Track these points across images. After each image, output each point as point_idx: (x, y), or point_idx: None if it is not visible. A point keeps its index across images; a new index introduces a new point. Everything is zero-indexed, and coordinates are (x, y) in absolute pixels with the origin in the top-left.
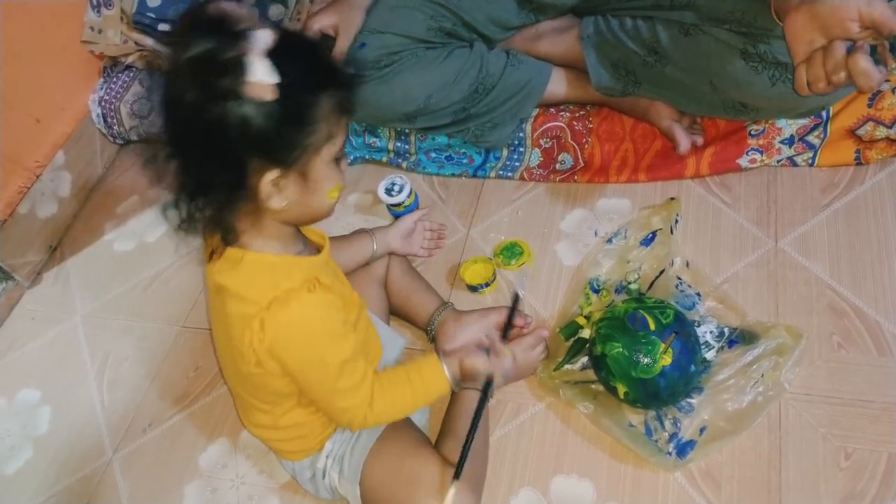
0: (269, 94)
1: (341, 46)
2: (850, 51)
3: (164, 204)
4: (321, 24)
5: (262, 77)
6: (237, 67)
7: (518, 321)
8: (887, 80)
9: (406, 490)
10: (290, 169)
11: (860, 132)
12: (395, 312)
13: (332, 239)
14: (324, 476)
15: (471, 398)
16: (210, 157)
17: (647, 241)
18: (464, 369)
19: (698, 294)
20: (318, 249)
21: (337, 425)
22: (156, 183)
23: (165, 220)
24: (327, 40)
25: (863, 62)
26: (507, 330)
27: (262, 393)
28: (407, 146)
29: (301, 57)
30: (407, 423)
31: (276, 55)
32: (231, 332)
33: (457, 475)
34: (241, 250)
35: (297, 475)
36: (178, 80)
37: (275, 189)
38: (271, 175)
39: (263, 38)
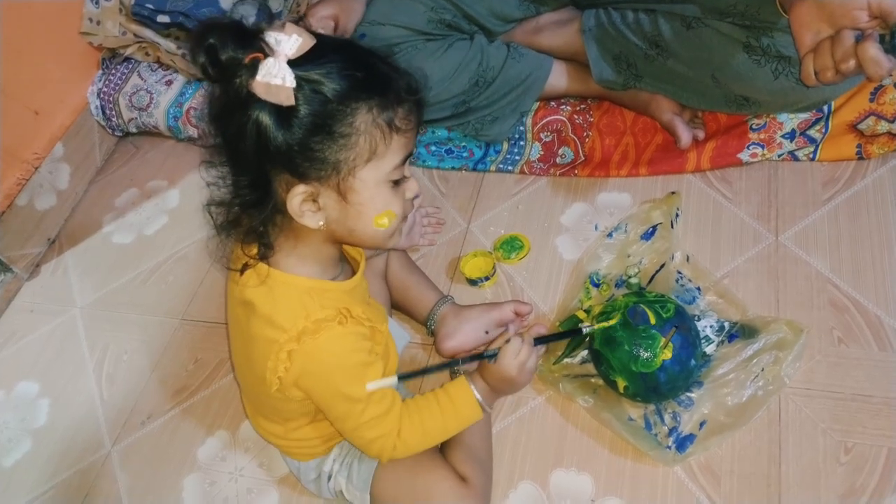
0: (285, 98)
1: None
2: (859, 40)
3: (206, 203)
4: (321, 14)
5: (275, 79)
6: (250, 68)
7: (522, 309)
8: (890, 75)
9: None
10: (322, 185)
11: (862, 126)
12: (395, 306)
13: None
14: (329, 479)
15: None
16: (239, 165)
17: (648, 235)
18: (491, 375)
19: (699, 288)
20: (353, 269)
21: (339, 442)
22: (213, 183)
23: (209, 219)
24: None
25: (873, 50)
26: (548, 338)
27: (276, 412)
28: None
29: (339, 63)
30: None
31: (305, 58)
32: (253, 352)
33: (402, 378)
34: (269, 268)
35: (301, 475)
36: (210, 86)
37: (309, 206)
38: (299, 190)
39: (288, 41)
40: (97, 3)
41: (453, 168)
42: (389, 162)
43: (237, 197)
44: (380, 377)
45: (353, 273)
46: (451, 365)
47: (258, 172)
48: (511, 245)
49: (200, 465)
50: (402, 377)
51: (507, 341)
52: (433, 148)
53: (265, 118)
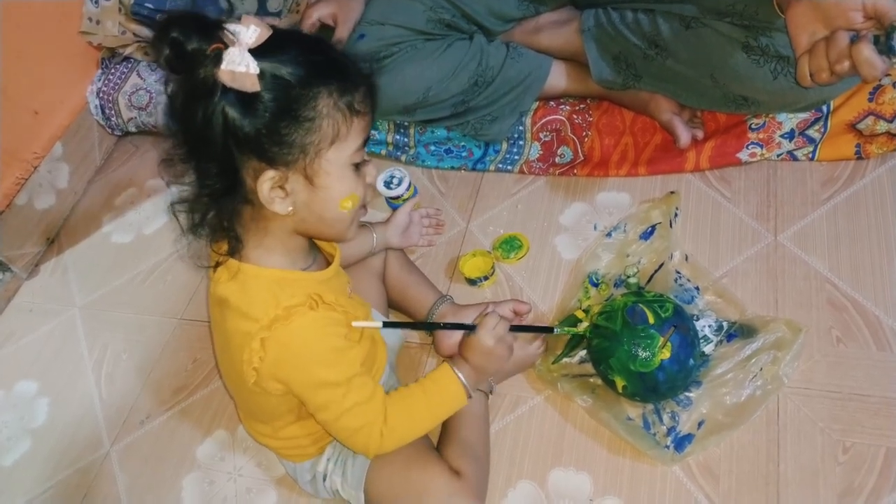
0: (250, 85)
1: (340, 36)
2: (854, 41)
3: (171, 203)
4: (319, 13)
5: (240, 66)
6: (214, 59)
7: (520, 308)
8: (888, 75)
9: (414, 501)
10: (290, 170)
11: (861, 126)
12: (394, 306)
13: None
14: (324, 479)
15: (473, 402)
16: (206, 156)
17: (647, 234)
18: (473, 351)
19: (697, 288)
20: (328, 262)
21: (331, 442)
22: (172, 181)
23: (176, 221)
24: (326, 30)
25: (867, 51)
26: (522, 328)
27: (261, 409)
28: (406, 139)
29: (296, 51)
30: None
31: (265, 48)
32: (231, 348)
33: (386, 324)
34: (239, 262)
35: (297, 476)
36: (169, 79)
37: (278, 192)
38: (268, 175)
39: (247, 32)
40: (97, 2)
41: (452, 168)
42: (351, 144)
43: (205, 188)
44: (357, 365)
45: (327, 265)
46: (434, 327)
47: (226, 161)
48: (510, 245)
49: (199, 465)
50: (387, 325)
51: (485, 315)
52: (432, 147)
53: (232, 105)
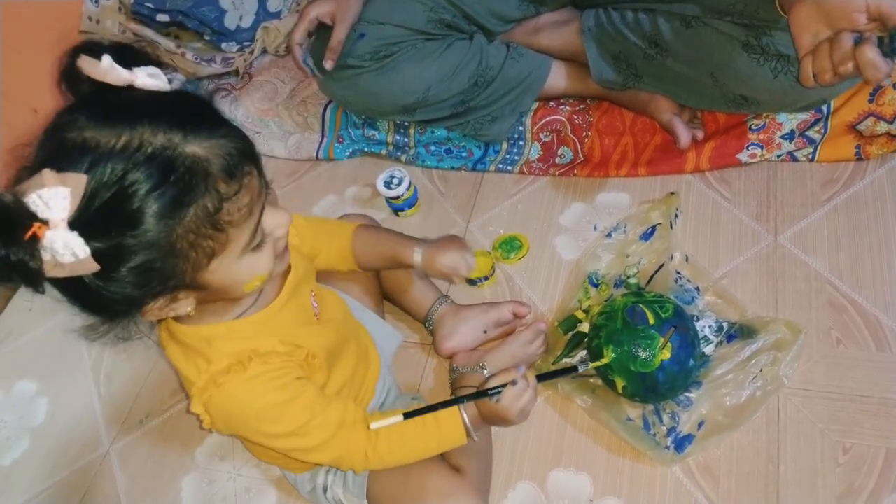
0: (90, 268)
1: (338, 35)
2: (857, 42)
3: (81, 332)
4: (317, 11)
5: (66, 257)
6: (32, 255)
7: (520, 310)
8: (889, 76)
9: (416, 501)
10: (173, 293)
11: (861, 127)
12: (393, 304)
13: (370, 228)
14: (325, 491)
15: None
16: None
17: (647, 235)
18: (484, 408)
19: (697, 288)
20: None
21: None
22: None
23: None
24: (323, 28)
25: (871, 53)
26: (550, 374)
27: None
28: (406, 139)
29: (130, 202)
30: None
31: (85, 216)
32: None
33: (407, 415)
34: (174, 324)
35: (298, 486)
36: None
37: (170, 306)
38: (151, 306)
39: (55, 199)
40: (97, 1)
41: (452, 168)
42: (235, 247)
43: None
44: (311, 407)
45: (279, 291)
46: (457, 402)
47: (111, 317)
48: (510, 245)
49: (199, 465)
50: (407, 415)
51: (513, 383)
52: (432, 148)
53: (81, 293)
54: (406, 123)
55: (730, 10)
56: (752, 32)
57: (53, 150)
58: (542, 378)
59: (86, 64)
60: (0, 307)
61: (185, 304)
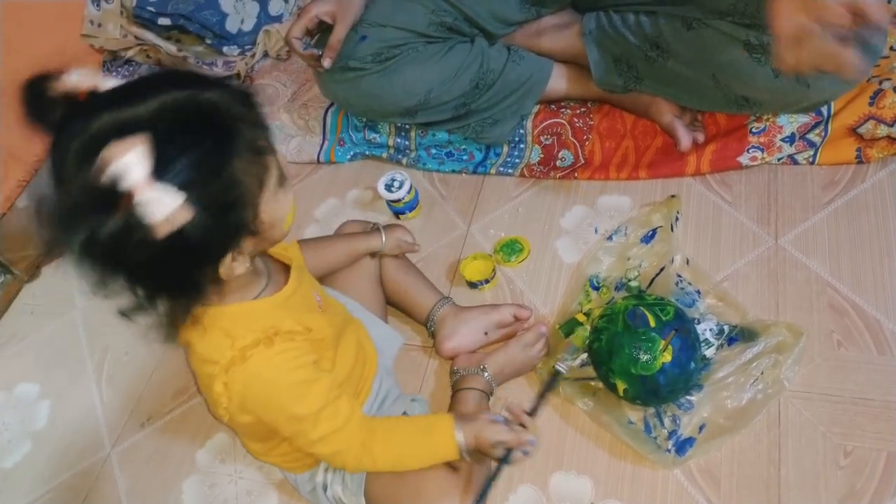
0: (185, 214)
1: (338, 34)
2: (837, 38)
3: (121, 311)
4: (318, 10)
5: (164, 209)
6: (132, 222)
7: (522, 314)
8: (888, 79)
9: (412, 499)
10: (243, 239)
11: (861, 130)
12: (394, 306)
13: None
14: (325, 489)
15: (471, 400)
16: (158, 284)
17: (648, 238)
18: (481, 442)
19: (698, 291)
20: (286, 266)
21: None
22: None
23: (130, 322)
24: (324, 28)
25: (850, 53)
26: (537, 405)
27: (249, 433)
28: (407, 142)
29: (190, 143)
30: None
31: (162, 166)
32: (202, 388)
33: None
34: (203, 308)
35: (298, 486)
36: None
37: (237, 261)
38: (227, 260)
39: (134, 164)
40: (98, 5)
41: (453, 171)
42: (272, 178)
43: (171, 300)
44: (325, 396)
45: (287, 280)
46: (489, 484)
47: (185, 278)
48: (511, 248)
49: (200, 468)
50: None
51: (524, 452)
52: (433, 151)
53: (175, 240)
54: (407, 126)
55: (731, 10)
56: (754, 32)
57: (91, 141)
58: (532, 413)
59: (56, 83)
60: (2, 310)
61: (242, 262)
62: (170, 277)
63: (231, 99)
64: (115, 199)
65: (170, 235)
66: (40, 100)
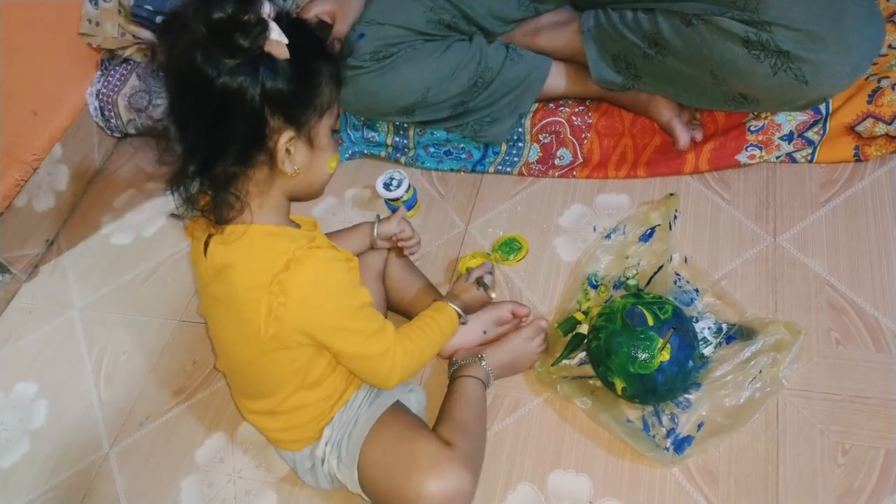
0: (285, 53)
1: (338, 32)
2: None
3: (168, 180)
4: (318, 9)
5: (279, 37)
6: (258, 27)
7: (520, 311)
8: (886, 77)
9: (404, 468)
10: (300, 132)
11: (859, 128)
12: (394, 307)
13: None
14: (323, 463)
15: (468, 387)
16: (233, 120)
17: (646, 236)
18: (460, 291)
19: (696, 290)
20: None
21: (378, 382)
22: (163, 163)
23: (172, 197)
24: (324, 26)
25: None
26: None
27: (266, 377)
28: (405, 141)
29: (299, 27)
30: (403, 409)
31: (281, 23)
32: (243, 311)
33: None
34: (245, 225)
35: (297, 466)
36: (198, 48)
37: (287, 153)
38: (287, 135)
39: (268, 7)
40: (96, 4)
41: (452, 169)
42: (334, 112)
43: (229, 154)
44: (369, 297)
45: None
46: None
47: (258, 123)
48: (510, 246)
49: (199, 467)
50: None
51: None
52: (432, 149)
53: (268, 71)
54: (405, 125)
55: (729, 6)
56: (752, 29)
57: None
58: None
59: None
60: (0, 309)
61: (293, 161)
62: (251, 117)
63: (338, 52)
64: (252, 7)
65: (271, 60)
66: None
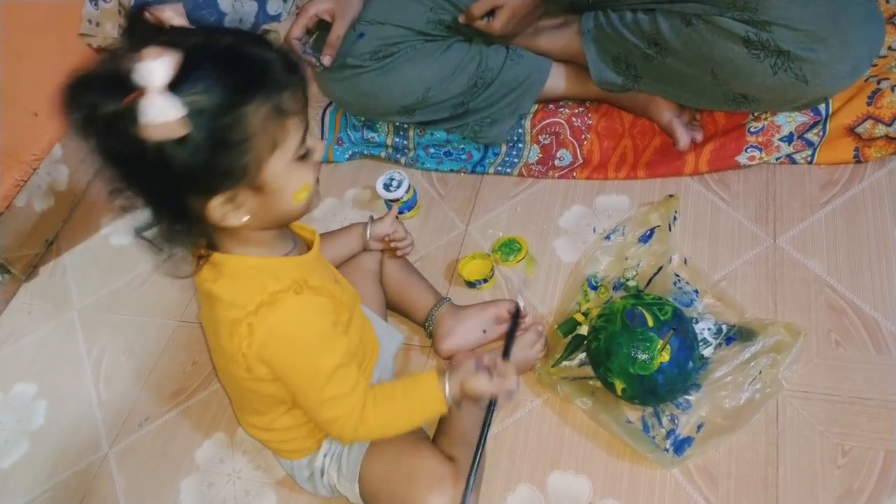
0: (178, 130)
1: (337, 31)
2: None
3: (135, 229)
4: (317, 8)
5: (161, 116)
6: (129, 114)
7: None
8: (886, 78)
9: (406, 486)
10: (236, 188)
11: (859, 130)
12: (393, 307)
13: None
14: (322, 475)
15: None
16: (150, 197)
17: (646, 237)
18: (465, 391)
19: (696, 291)
20: (308, 247)
21: (327, 436)
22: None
23: (144, 244)
24: (323, 26)
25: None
26: (507, 347)
27: (255, 398)
28: (405, 141)
29: (213, 71)
30: None
31: (181, 81)
32: (221, 338)
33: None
34: (225, 255)
35: (295, 474)
36: (90, 134)
37: (228, 209)
38: (215, 203)
39: (159, 69)
40: (96, 4)
41: (452, 170)
42: (291, 144)
43: (160, 223)
44: (341, 356)
45: (308, 251)
46: (483, 436)
47: (171, 198)
48: (509, 247)
49: (198, 467)
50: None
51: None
52: (432, 150)
53: (162, 153)
54: (405, 126)
55: (729, 6)
56: (752, 29)
57: (139, 43)
58: (506, 354)
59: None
60: None
61: (243, 212)
62: (159, 192)
63: (278, 62)
64: (126, 87)
65: (160, 145)
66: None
